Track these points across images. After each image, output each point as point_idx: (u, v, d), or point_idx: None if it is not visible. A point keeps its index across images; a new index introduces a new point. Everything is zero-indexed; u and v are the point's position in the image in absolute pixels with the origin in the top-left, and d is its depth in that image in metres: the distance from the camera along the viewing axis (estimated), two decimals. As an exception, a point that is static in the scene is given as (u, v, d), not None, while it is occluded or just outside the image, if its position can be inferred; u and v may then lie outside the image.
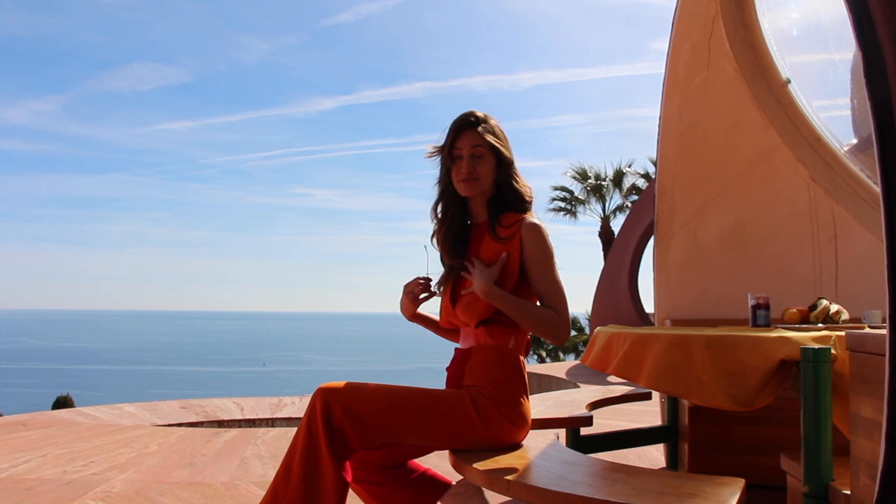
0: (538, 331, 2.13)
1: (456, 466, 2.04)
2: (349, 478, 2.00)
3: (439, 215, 2.32)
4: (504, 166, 2.24)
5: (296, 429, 2.01)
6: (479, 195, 2.25)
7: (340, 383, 2.04)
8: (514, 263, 2.17)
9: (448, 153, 2.24)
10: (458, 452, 2.07)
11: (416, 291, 2.33)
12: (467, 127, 2.22)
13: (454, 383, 2.21)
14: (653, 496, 1.61)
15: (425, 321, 2.48)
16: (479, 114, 2.25)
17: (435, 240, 2.34)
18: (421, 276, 2.33)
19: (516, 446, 2.15)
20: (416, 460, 2.32)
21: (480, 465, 1.92)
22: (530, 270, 2.17)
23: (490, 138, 2.21)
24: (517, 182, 2.26)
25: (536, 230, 2.17)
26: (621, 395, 3.57)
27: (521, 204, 2.26)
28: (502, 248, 2.18)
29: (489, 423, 2.08)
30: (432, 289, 2.33)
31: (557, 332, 2.13)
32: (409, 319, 2.44)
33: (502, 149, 2.23)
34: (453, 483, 2.28)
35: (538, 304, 2.17)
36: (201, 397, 7.97)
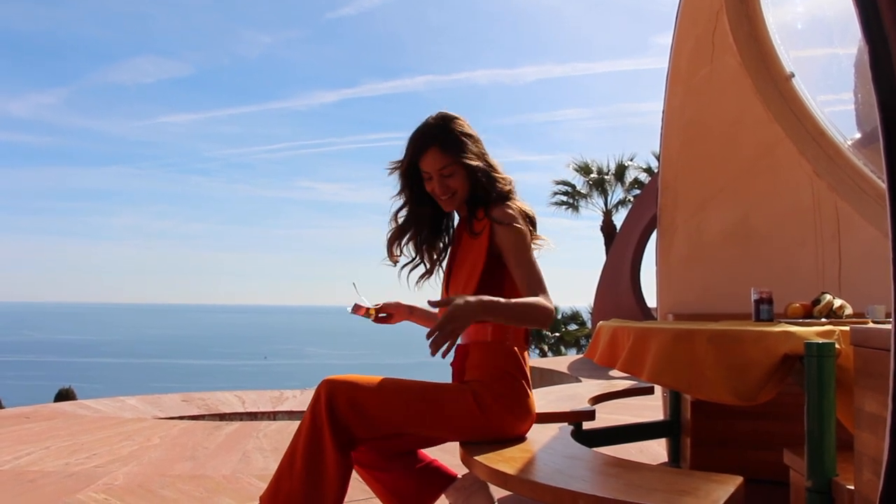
0: (530, 325, 2.06)
1: (463, 459, 2.05)
2: (353, 466, 2.01)
3: (400, 221, 2.29)
4: (475, 171, 2.17)
5: (297, 422, 2.02)
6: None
7: (345, 376, 2.06)
8: (482, 257, 2.14)
9: (416, 172, 2.20)
10: (466, 445, 2.08)
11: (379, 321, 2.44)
12: (427, 147, 2.15)
13: (457, 379, 2.22)
14: (644, 492, 1.61)
15: (422, 318, 2.49)
16: (435, 126, 2.17)
17: (406, 245, 2.31)
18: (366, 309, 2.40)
19: (522, 438, 2.16)
20: (424, 451, 2.33)
21: (482, 458, 1.92)
22: (506, 259, 2.12)
23: (452, 154, 2.14)
24: (494, 175, 2.21)
25: (503, 217, 2.12)
26: (624, 390, 3.57)
27: (501, 195, 2.21)
28: (475, 243, 2.17)
29: (491, 416, 2.09)
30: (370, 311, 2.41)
31: (546, 320, 2.02)
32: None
33: (469, 159, 2.15)
34: (458, 476, 2.29)
35: (522, 289, 2.09)
36: (203, 390, 7.98)
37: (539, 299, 2.01)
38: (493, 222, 2.15)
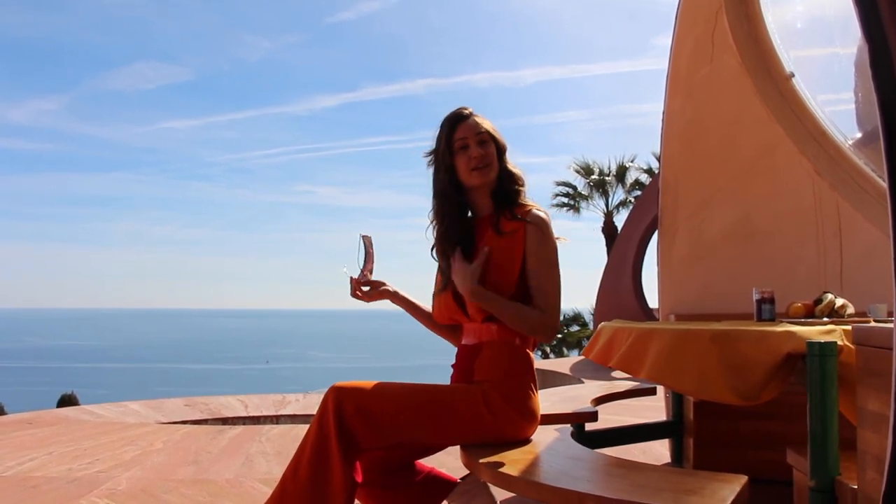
0: (523, 332, 2.16)
1: (465, 462, 2.05)
2: (359, 479, 1.99)
3: (440, 216, 2.31)
4: (502, 154, 2.28)
5: (300, 426, 2.02)
6: (485, 185, 2.25)
7: (353, 382, 2.05)
8: (517, 258, 2.16)
9: (447, 148, 2.23)
10: (468, 449, 2.08)
11: (359, 293, 2.40)
12: (464, 119, 2.25)
13: (462, 379, 2.21)
14: (650, 492, 1.61)
15: (408, 305, 2.47)
16: (469, 108, 2.28)
17: (434, 239, 2.33)
18: (352, 277, 2.38)
19: (525, 441, 2.16)
20: (422, 460, 2.32)
21: (486, 461, 1.92)
22: (528, 265, 2.16)
23: (488, 126, 2.25)
24: (511, 166, 2.29)
25: (541, 225, 2.18)
26: (626, 391, 3.56)
27: (516, 187, 2.27)
28: (504, 243, 2.18)
29: (500, 419, 2.09)
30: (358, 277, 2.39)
31: (542, 334, 2.15)
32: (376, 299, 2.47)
33: (499, 135, 2.27)
34: (459, 481, 2.29)
35: (531, 298, 2.16)
36: (205, 395, 7.97)
37: (537, 314, 2.14)
38: (528, 224, 2.17)
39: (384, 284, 2.43)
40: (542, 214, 2.21)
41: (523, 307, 2.15)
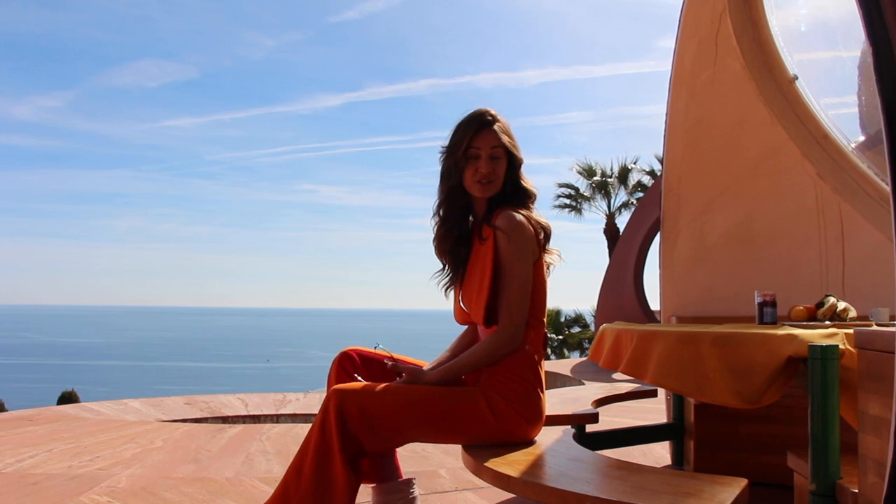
0: (495, 361, 2.13)
1: (467, 462, 2.05)
2: (362, 479, 2.00)
3: (442, 215, 2.30)
4: (515, 168, 2.24)
5: (300, 425, 2.02)
6: (484, 197, 2.24)
7: (353, 384, 2.04)
8: (490, 265, 2.14)
9: (463, 153, 2.21)
10: (469, 449, 2.08)
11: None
12: (485, 126, 2.20)
13: (472, 381, 2.21)
14: (649, 494, 1.61)
15: (450, 360, 2.30)
16: (493, 112, 2.23)
17: (434, 237, 2.33)
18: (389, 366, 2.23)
19: (529, 442, 2.16)
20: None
21: (488, 462, 1.92)
22: (499, 271, 2.14)
23: (506, 139, 2.20)
24: (524, 181, 2.26)
25: (507, 231, 2.12)
26: (627, 393, 3.56)
27: (524, 201, 2.24)
28: (483, 249, 2.18)
29: (503, 421, 2.09)
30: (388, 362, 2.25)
31: (506, 352, 2.12)
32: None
33: (516, 150, 2.23)
34: (402, 478, 2.26)
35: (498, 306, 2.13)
36: (206, 393, 7.98)
37: (487, 344, 2.12)
38: (495, 230, 2.14)
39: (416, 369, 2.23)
40: (513, 217, 2.14)
41: (481, 348, 2.13)
